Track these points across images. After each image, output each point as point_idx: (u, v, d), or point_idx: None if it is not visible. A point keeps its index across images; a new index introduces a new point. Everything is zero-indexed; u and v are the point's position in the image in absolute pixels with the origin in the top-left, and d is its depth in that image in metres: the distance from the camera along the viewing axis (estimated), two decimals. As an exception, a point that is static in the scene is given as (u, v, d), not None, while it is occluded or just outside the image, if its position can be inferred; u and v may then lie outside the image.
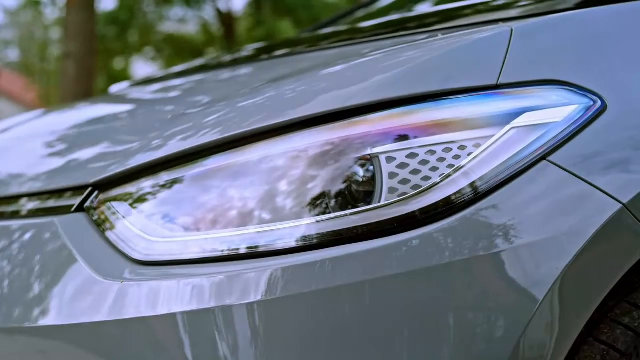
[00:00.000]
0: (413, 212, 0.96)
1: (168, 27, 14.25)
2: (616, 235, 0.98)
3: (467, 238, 0.95)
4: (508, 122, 1.00)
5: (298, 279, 0.94)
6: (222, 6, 12.82)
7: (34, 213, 1.18)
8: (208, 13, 13.25)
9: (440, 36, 1.22)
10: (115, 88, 2.28)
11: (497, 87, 1.03)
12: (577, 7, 1.23)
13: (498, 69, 1.03)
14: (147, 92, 1.77)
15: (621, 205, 0.98)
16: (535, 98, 1.03)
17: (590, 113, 1.02)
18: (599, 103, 1.03)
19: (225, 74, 1.69)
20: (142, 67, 16.37)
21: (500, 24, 1.17)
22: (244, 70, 1.66)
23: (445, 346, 0.93)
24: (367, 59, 1.18)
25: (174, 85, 1.73)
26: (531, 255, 0.95)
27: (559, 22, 1.14)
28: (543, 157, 0.99)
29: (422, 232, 0.95)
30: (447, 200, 0.96)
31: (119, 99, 1.82)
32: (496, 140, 0.99)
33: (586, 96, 1.04)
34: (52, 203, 1.17)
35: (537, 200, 0.97)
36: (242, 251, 1.00)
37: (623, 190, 0.98)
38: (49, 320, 1.04)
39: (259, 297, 0.94)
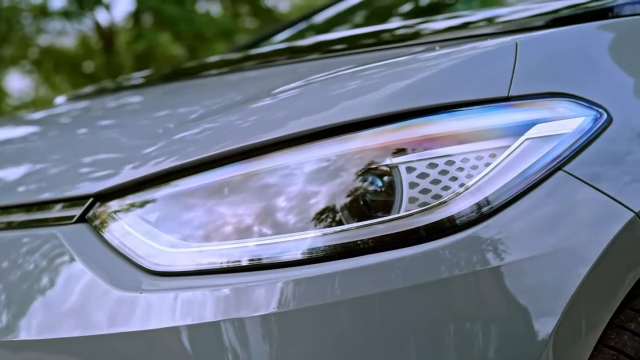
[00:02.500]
0: (437, 222, 0.97)
1: (46, 39, 14.04)
2: (630, 242, 1.01)
3: (488, 248, 0.96)
4: (521, 134, 1.02)
5: (314, 290, 0.94)
6: (102, 19, 12.75)
7: (33, 224, 1.15)
8: (88, 26, 13.14)
9: (438, 49, 1.25)
10: (60, 100, 2.25)
11: (508, 99, 1.05)
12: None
13: (508, 81, 1.05)
14: (134, 100, 1.72)
15: (633, 214, 1.01)
16: (544, 110, 1.05)
17: (598, 124, 1.05)
18: (605, 115, 1.06)
19: (225, 79, 1.66)
20: (17, 80, 15.97)
21: (504, 37, 1.19)
22: (249, 75, 1.63)
23: (469, 357, 0.94)
24: (376, 69, 1.19)
25: (165, 92, 1.70)
26: (552, 263, 0.97)
27: (562, 36, 1.17)
28: (559, 168, 1.01)
29: (445, 242, 0.96)
30: (468, 211, 0.97)
31: (106, 107, 1.77)
32: (512, 152, 1.01)
33: (592, 108, 1.07)
34: (51, 213, 1.14)
35: (555, 210, 0.99)
36: (258, 262, 0.99)
37: (634, 198, 1.01)
38: (62, 333, 1.01)
39: (276, 309, 0.93)
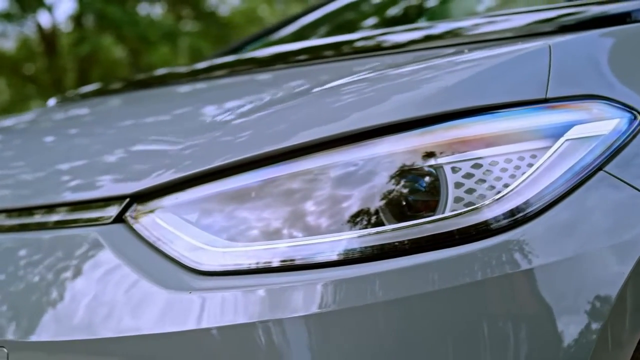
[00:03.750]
0: (483, 222, 0.98)
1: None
2: None
3: (532, 249, 0.97)
4: (561, 135, 1.04)
5: (356, 291, 0.96)
6: (44, 21, 12.63)
7: (69, 224, 1.15)
8: (30, 28, 12.99)
9: (467, 51, 1.26)
10: (52, 102, 2.22)
11: (546, 100, 1.06)
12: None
13: (544, 83, 1.07)
14: (160, 100, 1.70)
15: None
16: (581, 112, 1.07)
17: (634, 126, 1.08)
18: (639, 117, 1.09)
19: (253, 78, 1.64)
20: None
21: (537, 40, 1.21)
22: (277, 74, 1.62)
23: (515, 357, 0.95)
24: (415, 71, 1.20)
25: (191, 92, 1.69)
26: (595, 264, 0.99)
27: (593, 39, 1.20)
28: (599, 168, 1.03)
29: (493, 242, 0.97)
30: (514, 211, 0.99)
31: (133, 105, 1.75)
32: (553, 153, 1.03)
33: (625, 110, 1.09)
34: (88, 214, 1.14)
35: (597, 209, 1.01)
36: (301, 262, 1.00)
37: None
38: (109, 333, 1.02)
39: (320, 309, 0.95)
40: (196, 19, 13.88)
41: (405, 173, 1.02)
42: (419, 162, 1.02)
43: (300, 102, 1.20)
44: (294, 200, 1.04)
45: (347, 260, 0.99)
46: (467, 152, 1.02)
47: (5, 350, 1.09)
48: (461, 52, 1.26)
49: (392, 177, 1.02)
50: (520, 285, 0.97)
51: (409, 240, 0.99)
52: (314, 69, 1.52)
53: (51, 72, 12.50)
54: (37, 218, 1.20)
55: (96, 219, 1.13)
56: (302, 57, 1.67)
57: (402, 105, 1.06)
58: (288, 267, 1.01)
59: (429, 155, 1.02)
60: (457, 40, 1.43)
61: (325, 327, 0.95)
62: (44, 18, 12.68)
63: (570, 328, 0.97)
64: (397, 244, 0.99)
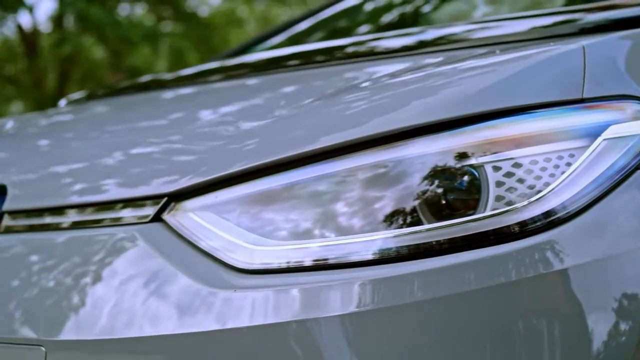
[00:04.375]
0: (522, 222, 0.99)
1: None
2: None
3: (568, 248, 0.99)
4: (598, 134, 1.06)
5: (397, 290, 0.97)
6: (24, 22, 12.56)
7: (107, 222, 1.16)
8: (9, 29, 12.91)
9: (498, 52, 1.28)
10: (63, 102, 2.21)
11: (582, 100, 1.08)
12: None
13: (581, 83, 1.08)
14: (192, 98, 1.70)
15: None
16: (616, 112, 1.09)
17: None
18: None
19: (282, 78, 1.64)
20: None
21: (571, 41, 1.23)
22: (300, 75, 1.62)
23: (550, 356, 0.96)
24: (452, 71, 1.22)
25: (223, 90, 1.69)
26: (631, 263, 1.00)
27: (625, 40, 1.22)
28: (638, 167, 1.05)
29: (530, 242, 0.98)
30: (551, 212, 1.00)
31: (156, 104, 1.76)
32: (592, 152, 1.04)
33: None
34: (125, 213, 1.15)
35: (632, 210, 1.03)
36: (339, 261, 1.01)
37: None
38: (153, 331, 1.02)
39: (359, 308, 0.96)
40: (177, 20, 13.84)
41: (445, 172, 1.03)
42: (460, 162, 1.04)
43: (335, 103, 1.21)
44: (330, 200, 1.06)
45: (385, 259, 1.01)
46: (507, 152, 1.03)
47: (43, 349, 1.09)
48: (493, 53, 1.27)
49: (432, 177, 1.04)
50: (554, 286, 0.98)
51: (446, 239, 1.00)
52: (339, 70, 1.53)
53: (32, 73, 12.42)
54: (75, 217, 1.21)
55: (134, 218, 1.15)
56: (324, 57, 1.69)
57: (441, 105, 1.08)
58: (328, 266, 1.02)
59: (470, 154, 1.04)
60: (484, 42, 1.44)
61: (364, 326, 0.97)
62: (24, 18, 12.60)
63: (604, 327, 0.98)
64: (435, 243, 1.00)
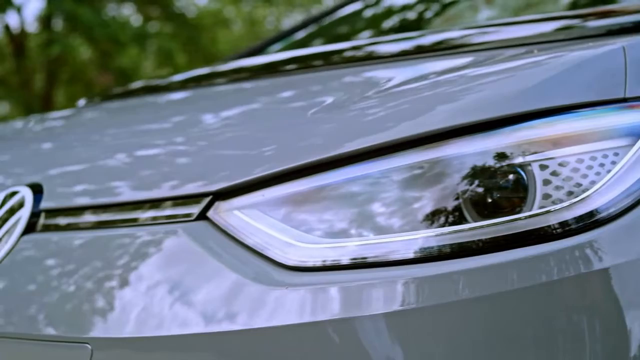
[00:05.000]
0: (566, 221, 1.01)
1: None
2: None
3: (610, 247, 1.00)
4: None
5: (445, 288, 0.98)
6: (13, 22, 12.50)
7: (152, 221, 1.17)
8: (-2, 29, 12.84)
9: (536, 52, 1.29)
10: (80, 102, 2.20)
11: (624, 100, 1.09)
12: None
13: (623, 83, 1.10)
14: (233, 95, 1.70)
15: None
16: None
17: None
18: None
19: (321, 75, 1.64)
20: None
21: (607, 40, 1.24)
22: (339, 73, 1.62)
23: (592, 354, 0.98)
24: (495, 70, 1.23)
25: (263, 88, 1.69)
26: None
27: None
28: None
29: (575, 241, 1.00)
30: (594, 212, 1.01)
31: (192, 102, 1.77)
32: (636, 151, 1.06)
33: None
34: (171, 211, 1.16)
35: None
36: (387, 258, 1.02)
37: None
38: (200, 328, 1.03)
39: (416, 305, 0.97)
40: (165, 21, 13.81)
41: (491, 172, 1.05)
42: (506, 161, 1.05)
43: (375, 103, 1.22)
44: (375, 199, 1.07)
45: (429, 258, 1.02)
46: (553, 150, 1.05)
47: (89, 347, 1.09)
48: (531, 53, 1.29)
49: (477, 176, 1.05)
50: (595, 285, 0.99)
51: (491, 238, 1.01)
52: (374, 70, 1.54)
53: (19, 73, 12.36)
54: (121, 215, 1.22)
55: (178, 216, 1.15)
56: (356, 57, 1.71)
57: (487, 105, 1.09)
58: (375, 264, 1.03)
59: (516, 153, 1.05)
60: (519, 42, 1.45)
61: (409, 324, 0.98)
62: (12, 18, 12.54)
63: None
64: (479, 241, 1.01)
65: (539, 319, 0.98)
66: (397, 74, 1.42)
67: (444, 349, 0.97)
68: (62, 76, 13.34)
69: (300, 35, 2.57)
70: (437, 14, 2.53)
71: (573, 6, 2.11)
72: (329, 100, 1.30)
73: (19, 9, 11.77)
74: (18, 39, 12.41)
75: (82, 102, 2.26)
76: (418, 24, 2.43)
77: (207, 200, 1.14)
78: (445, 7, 2.57)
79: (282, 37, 2.56)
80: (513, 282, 0.98)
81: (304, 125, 1.21)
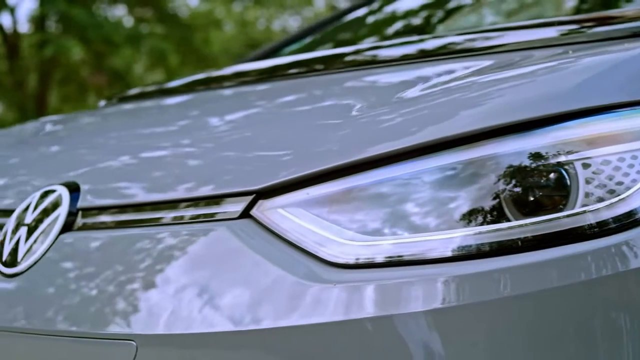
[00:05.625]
0: (606, 220, 1.02)
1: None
2: None
3: None
4: None
5: (490, 286, 0.99)
6: (6, 23, 12.45)
7: (197, 218, 1.18)
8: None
9: (571, 52, 1.31)
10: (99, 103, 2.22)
11: None
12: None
13: None
14: (275, 95, 1.68)
15: None
16: None
17: None
18: None
19: (358, 75, 1.64)
20: None
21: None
22: (378, 71, 1.63)
23: (632, 351, 0.99)
24: (531, 70, 1.25)
25: (298, 87, 1.68)
26: None
27: None
28: None
29: (613, 240, 1.01)
30: (635, 211, 1.03)
31: (230, 101, 1.77)
32: None
33: None
34: (214, 209, 1.17)
35: None
36: (430, 256, 1.04)
37: None
38: (247, 325, 1.04)
39: (458, 302, 0.98)
40: (158, 22, 13.80)
41: (533, 170, 1.06)
42: (548, 160, 1.06)
43: (422, 101, 1.23)
44: (420, 197, 1.08)
45: (473, 255, 1.03)
46: (595, 149, 1.06)
47: (134, 343, 1.10)
48: (566, 53, 1.31)
49: (519, 175, 1.06)
50: (632, 283, 1.01)
51: (532, 236, 1.02)
52: (414, 69, 1.55)
53: (13, 74, 12.32)
54: (165, 213, 1.22)
55: (223, 214, 1.16)
56: (395, 56, 1.70)
57: (526, 105, 1.11)
58: (421, 261, 1.04)
59: (558, 152, 1.07)
60: (549, 42, 1.47)
61: (456, 321, 0.99)
62: (5, 19, 12.50)
63: None
64: (520, 240, 1.02)
65: (578, 317, 0.99)
66: (433, 74, 1.43)
67: (485, 347, 0.99)
68: (55, 77, 13.31)
69: (321, 34, 2.58)
70: (456, 14, 2.57)
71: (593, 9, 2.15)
72: (368, 101, 1.32)
73: (12, 10, 11.74)
74: (11, 40, 12.38)
75: (102, 103, 2.27)
76: (440, 25, 2.47)
77: (250, 198, 1.15)
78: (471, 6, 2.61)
79: (298, 38, 2.57)
80: (553, 280, 0.99)
81: (346, 125, 1.22)
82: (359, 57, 1.81)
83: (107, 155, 1.47)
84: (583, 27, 1.51)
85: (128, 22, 13.49)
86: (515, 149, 1.07)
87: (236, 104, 1.71)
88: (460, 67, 1.41)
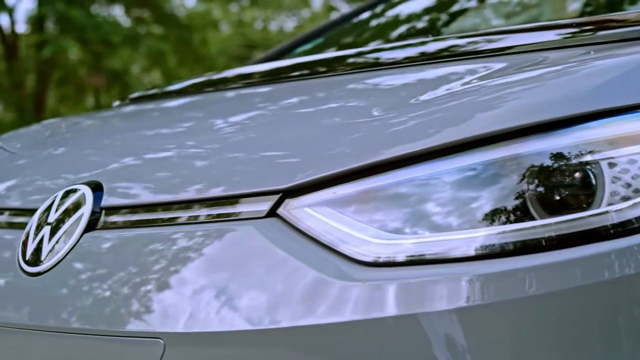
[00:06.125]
0: (630, 220, 1.03)
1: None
2: None
3: None
4: None
5: (516, 283, 1.00)
6: (4, 23, 12.44)
7: (223, 217, 1.18)
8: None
9: (593, 53, 1.32)
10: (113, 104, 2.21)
11: None
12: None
13: None
14: (297, 93, 1.68)
15: None
16: None
17: None
18: None
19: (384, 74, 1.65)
20: None
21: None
22: (404, 70, 1.63)
23: None
24: (557, 70, 1.26)
25: (325, 85, 1.68)
26: None
27: None
28: None
29: (635, 240, 1.02)
30: None
31: (253, 99, 1.77)
32: None
33: None
34: (240, 208, 1.17)
35: None
36: (463, 253, 1.04)
37: None
38: (278, 323, 1.04)
39: (491, 300, 0.99)
40: (156, 22, 13.80)
41: (559, 170, 1.07)
42: (575, 159, 1.07)
43: (450, 100, 1.24)
44: (446, 196, 1.09)
45: (497, 254, 1.04)
46: (620, 149, 1.07)
47: (162, 341, 1.10)
48: (588, 54, 1.32)
49: (545, 173, 1.07)
50: None
51: (557, 235, 1.03)
52: (439, 68, 1.55)
53: (11, 74, 12.31)
54: (189, 212, 1.23)
55: (248, 213, 1.17)
56: (417, 56, 1.70)
57: (553, 105, 1.12)
58: (449, 260, 1.05)
59: (584, 152, 1.08)
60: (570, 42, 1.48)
61: (483, 320, 1.00)
62: (3, 20, 12.50)
63: None
64: (544, 239, 1.03)
65: (602, 316, 1.00)
66: (453, 76, 1.44)
67: (510, 345, 1.00)
68: (53, 77, 13.31)
69: (338, 32, 2.58)
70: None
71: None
72: (390, 102, 1.32)
73: (10, 11, 11.73)
74: (10, 40, 12.38)
75: (116, 103, 2.27)
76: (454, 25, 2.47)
77: (276, 197, 1.16)
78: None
79: (311, 38, 2.57)
80: (577, 279, 1.00)
81: (374, 123, 1.23)
82: (377, 59, 1.81)
83: (129, 155, 1.47)
84: (583, 31, 1.52)
85: (125, 22, 13.46)
86: (541, 149, 1.08)
87: (257, 104, 1.71)
88: (481, 67, 1.42)
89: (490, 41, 1.63)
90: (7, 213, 1.48)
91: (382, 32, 2.64)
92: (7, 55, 12.34)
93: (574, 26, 1.54)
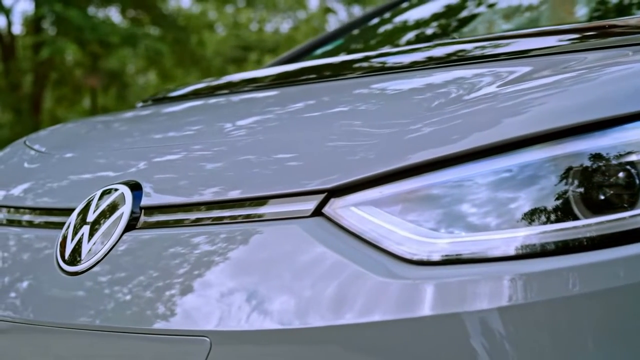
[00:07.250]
0: None
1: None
2: None
3: None
4: None
5: (559, 283, 1.01)
6: (1, 24, 12.43)
7: (268, 217, 1.19)
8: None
9: (631, 54, 1.33)
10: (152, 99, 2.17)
11: None
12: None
13: None
14: (337, 93, 1.68)
15: None
16: None
17: None
18: None
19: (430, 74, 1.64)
20: None
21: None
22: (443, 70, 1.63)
23: None
24: (597, 72, 1.26)
25: (361, 86, 1.68)
26: None
27: None
28: None
29: None
30: None
31: (298, 99, 1.76)
32: None
33: None
34: (282, 207, 1.18)
35: None
36: (506, 254, 1.05)
37: None
38: (328, 321, 1.05)
39: (536, 299, 1.00)
40: (154, 23, 13.79)
41: (602, 170, 1.08)
42: (618, 159, 1.08)
43: (491, 101, 1.25)
44: (490, 196, 1.10)
45: (540, 253, 1.05)
46: None
47: (208, 340, 1.11)
48: (626, 55, 1.33)
49: (591, 173, 1.08)
50: None
51: (599, 235, 1.04)
52: (482, 68, 1.55)
53: (9, 76, 12.29)
54: (232, 211, 1.23)
55: (293, 212, 1.17)
56: (455, 56, 1.70)
57: (596, 105, 1.13)
58: (499, 258, 1.06)
59: (628, 152, 1.08)
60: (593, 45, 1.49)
61: (526, 319, 1.01)
62: (1, 21, 12.48)
63: None
64: (587, 238, 1.04)
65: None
66: (504, 73, 1.44)
67: (553, 345, 1.00)
68: (50, 78, 13.29)
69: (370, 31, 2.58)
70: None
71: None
72: (438, 99, 1.33)
73: (7, 12, 11.71)
74: (7, 41, 12.36)
75: (139, 104, 2.26)
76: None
77: (322, 196, 1.16)
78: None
79: (335, 36, 2.57)
80: (620, 279, 1.01)
81: (418, 123, 1.23)
82: (424, 58, 1.80)
83: (167, 154, 1.47)
84: (586, 37, 1.53)
85: (120, 23, 13.45)
86: (585, 149, 1.09)
87: (297, 103, 1.71)
88: (520, 68, 1.43)
89: (526, 38, 1.64)
90: (43, 213, 1.49)
91: (407, 32, 2.64)
92: (4, 57, 12.32)
93: (608, 28, 1.53)
